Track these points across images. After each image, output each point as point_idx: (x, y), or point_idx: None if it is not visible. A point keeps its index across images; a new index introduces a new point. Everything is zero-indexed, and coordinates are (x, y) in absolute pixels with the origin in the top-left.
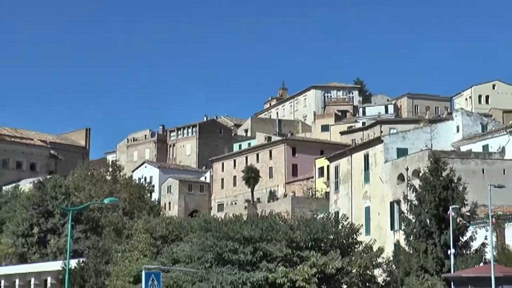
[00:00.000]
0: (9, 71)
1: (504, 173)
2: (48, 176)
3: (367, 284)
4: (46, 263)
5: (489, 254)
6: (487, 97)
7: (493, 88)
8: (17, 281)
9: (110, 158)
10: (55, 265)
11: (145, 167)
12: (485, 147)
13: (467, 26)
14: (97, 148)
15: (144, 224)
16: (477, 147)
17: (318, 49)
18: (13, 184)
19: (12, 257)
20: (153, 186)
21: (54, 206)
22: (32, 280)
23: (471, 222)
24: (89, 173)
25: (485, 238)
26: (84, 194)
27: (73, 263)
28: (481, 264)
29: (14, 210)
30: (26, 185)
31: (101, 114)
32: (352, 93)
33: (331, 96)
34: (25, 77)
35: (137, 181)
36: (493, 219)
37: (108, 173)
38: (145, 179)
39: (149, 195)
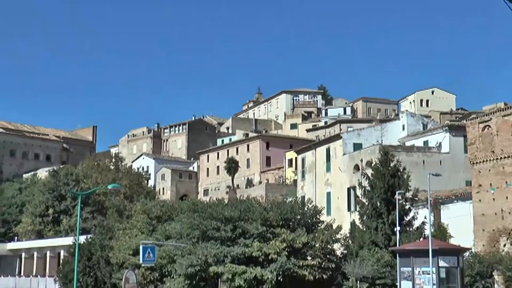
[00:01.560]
0: (26, 73)
1: (440, 164)
2: (61, 166)
3: (328, 256)
4: (59, 238)
5: (427, 230)
6: (427, 101)
7: (432, 93)
8: (35, 253)
9: (113, 151)
10: (67, 241)
11: (143, 158)
12: (426, 143)
13: (412, 37)
14: (102, 142)
15: (141, 206)
16: (419, 142)
17: (288, 59)
18: (32, 173)
19: (31, 234)
20: (149, 174)
21: (66, 191)
22: (48, 253)
23: (413, 204)
24: (95, 164)
25: (425, 218)
26: (91, 181)
27: (82, 239)
28: (421, 239)
29: (33, 194)
30: (42, 173)
31: (106, 113)
32: (316, 97)
33: (299, 99)
34: (40, 81)
35: (136, 170)
36: (431, 202)
37: (111, 164)
38: (143, 168)
39: (146, 182)
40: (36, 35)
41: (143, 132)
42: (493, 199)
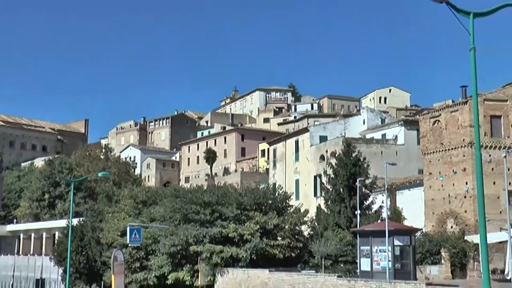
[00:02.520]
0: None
1: (396, 154)
2: (56, 156)
3: (296, 236)
4: (54, 221)
5: (384, 213)
6: (385, 98)
7: (390, 91)
8: (32, 234)
9: (103, 142)
10: (61, 223)
11: (130, 149)
12: (383, 135)
13: (373, 40)
14: (93, 134)
15: (129, 192)
16: (377, 135)
17: (261, 60)
18: (29, 162)
19: (28, 217)
20: (136, 163)
21: (60, 178)
22: (44, 234)
23: (372, 190)
24: (87, 154)
25: (382, 202)
26: (83, 169)
27: (75, 221)
28: (379, 221)
29: (30, 181)
30: (39, 162)
31: (97, 108)
32: (287, 94)
33: (271, 96)
34: (37, 76)
35: (123, 160)
36: (388, 188)
37: (102, 154)
38: (130, 158)
39: (133, 170)
40: (31, 36)
41: (130, 125)
42: (442, 185)
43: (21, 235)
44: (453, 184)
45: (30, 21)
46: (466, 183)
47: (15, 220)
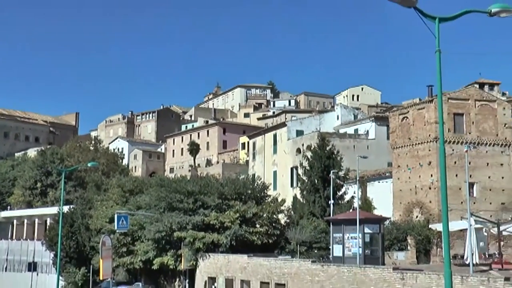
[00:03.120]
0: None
1: (367, 148)
2: (48, 146)
3: (273, 224)
4: (46, 208)
5: (356, 203)
6: (358, 96)
7: (362, 90)
8: (25, 221)
9: (93, 134)
10: (53, 210)
11: (118, 141)
12: (356, 130)
13: (347, 41)
14: (83, 127)
15: (116, 181)
16: (350, 130)
17: (243, 58)
18: (23, 152)
19: (21, 204)
20: (124, 154)
21: (52, 168)
22: (36, 220)
23: (345, 182)
24: (77, 145)
25: (354, 193)
26: (74, 159)
27: (66, 208)
28: (351, 210)
29: (23, 170)
30: (32, 152)
31: (87, 102)
32: (266, 91)
33: (251, 92)
34: (31, 71)
35: (112, 151)
36: (360, 179)
37: (91, 145)
38: (118, 149)
39: (120, 161)
40: (21, 32)
41: (118, 118)
42: (409, 177)
43: (15, 221)
44: (419, 176)
45: (25, 19)
46: (431, 175)
47: (9, 207)
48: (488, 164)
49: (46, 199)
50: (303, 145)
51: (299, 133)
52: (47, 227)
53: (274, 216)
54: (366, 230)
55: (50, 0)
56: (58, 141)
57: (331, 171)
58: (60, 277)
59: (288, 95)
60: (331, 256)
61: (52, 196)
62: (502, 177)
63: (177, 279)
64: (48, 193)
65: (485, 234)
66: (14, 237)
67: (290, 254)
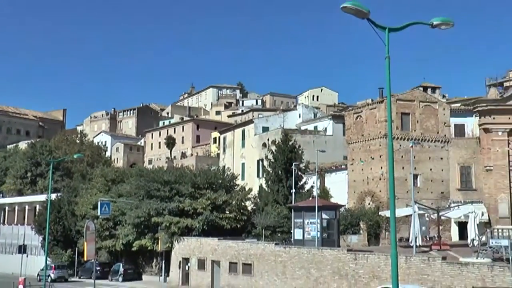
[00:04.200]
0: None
1: (325, 143)
2: (37, 139)
3: (241, 210)
4: (35, 196)
5: (315, 192)
6: (317, 96)
7: (321, 91)
8: (16, 207)
9: (79, 128)
10: (42, 197)
11: (102, 135)
12: (315, 127)
13: (309, 46)
14: (70, 122)
15: (100, 172)
16: (310, 127)
17: (215, 60)
18: (14, 144)
19: (13, 192)
20: (107, 147)
21: (41, 159)
22: (26, 207)
23: (305, 173)
24: (65, 138)
25: (313, 183)
26: (61, 151)
27: (53, 196)
28: (310, 198)
29: (15, 161)
30: (23, 145)
31: (74, 99)
32: (235, 91)
33: (222, 92)
34: (22, 69)
35: (96, 144)
36: (318, 171)
37: (77, 138)
38: (102, 142)
39: (104, 153)
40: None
41: (102, 114)
42: (362, 169)
43: (6, 208)
44: (371, 169)
45: (17, 18)
46: (381, 167)
47: (1, 195)
48: (430, 158)
49: (36, 187)
50: (268, 140)
51: (265, 129)
52: (36, 213)
53: (242, 203)
54: (324, 216)
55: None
56: (47, 134)
57: (293, 164)
58: (48, 258)
59: (255, 95)
60: (292, 239)
61: (41, 184)
62: (442, 170)
63: (155, 260)
64: (37, 182)
65: (427, 219)
66: (5, 222)
67: (256, 237)
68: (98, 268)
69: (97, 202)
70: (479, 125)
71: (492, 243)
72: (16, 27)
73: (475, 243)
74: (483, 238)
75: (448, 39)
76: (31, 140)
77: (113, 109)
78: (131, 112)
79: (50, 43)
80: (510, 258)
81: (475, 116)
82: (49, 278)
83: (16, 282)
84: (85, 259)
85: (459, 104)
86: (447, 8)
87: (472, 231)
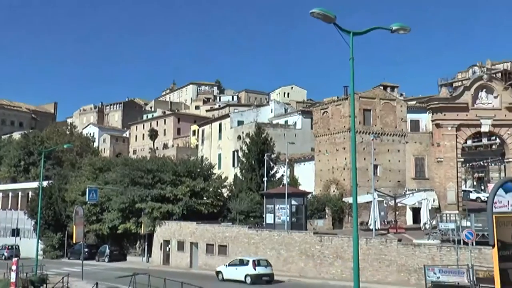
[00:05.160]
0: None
1: (295, 136)
2: (30, 130)
3: (218, 197)
4: (28, 183)
5: (285, 180)
6: (288, 93)
7: (291, 88)
8: (10, 193)
9: (69, 120)
10: (34, 184)
11: (90, 127)
12: (286, 122)
13: (280, 46)
14: (61, 114)
15: (88, 161)
16: (281, 121)
17: (194, 59)
18: (8, 135)
19: (7, 179)
20: (95, 138)
21: (34, 149)
22: (20, 193)
23: (276, 163)
24: (56, 130)
25: (283, 172)
26: (52, 142)
27: (45, 183)
28: (281, 186)
29: (9, 150)
30: (16, 135)
31: (64, 93)
32: (213, 88)
33: (201, 89)
34: (13, 63)
35: (85, 135)
36: (288, 161)
37: (67, 130)
38: (90, 134)
39: (92, 144)
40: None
41: (90, 108)
42: (328, 160)
43: (1, 194)
44: (336, 159)
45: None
46: (345, 158)
47: None
48: (388, 150)
49: (29, 175)
50: (243, 133)
51: (240, 123)
52: (29, 199)
53: (218, 190)
54: (293, 202)
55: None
56: (39, 126)
57: (265, 154)
58: (40, 241)
59: (232, 92)
60: (264, 223)
61: (34, 172)
62: (399, 161)
63: (138, 242)
64: (30, 170)
65: (385, 205)
66: (0, 207)
67: (231, 221)
68: (86, 249)
69: (85, 189)
70: (432, 121)
71: (441, 226)
72: (12, 25)
73: (427, 226)
74: (434, 222)
75: (406, 43)
76: (24, 131)
77: (100, 103)
78: (117, 106)
79: (43, 41)
80: (456, 239)
81: (428, 112)
82: (3, 256)
83: (10, 263)
84: (74, 241)
85: (414, 102)
86: (409, 16)
87: (424, 216)
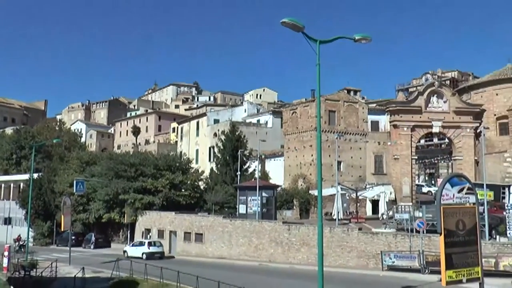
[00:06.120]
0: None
1: (266, 134)
2: (22, 126)
3: (195, 189)
4: (20, 175)
5: (256, 174)
6: (260, 95)
7: (263, 90)
8: (2, 185)
9: (58, 117)
10: (25, 177)
11: (78, 123)
12: (258, 121)
13: (252, 51)
14: (51, 111)
15: (76, 155)
16: (254, 120)
17: (175, 62)
18: (1, 130)
19: (0, 172)
20: (82, 134)
21: (25, 143)
22: (11, 184)
23: (249, 158)
24: (46, 125)
25: (255, 167)
26: (42, 137)
27: (35, 175)
28: (253, 179)
29: (2, 144)
30: (9, 131)
31: (55, 91)
32: (192, 89)
33: (181, 89)
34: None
35: (73, 131)
36: (260, 157)
37: (57, 126)
38: (77, 130)
39: (79, 139)
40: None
41: (78, 105)
42: (296, 156)
43: None
44: (303, 156)
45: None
46: (311, 155)
47: None
48: (351, 148)
49: (20, 168)
50: (218, 130)
51: (216, 121)
52: (20, 190)
53: (196, 183)
54: (264, 194)
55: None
56: (30, 122)
57: (239, 151)
58: (30, 229)
59: (209, 93)
60: (237, 213)
61: (25, 165)
62: (360, 158)
63: (121, 230)
64: (21, 163)
65: (347, 198)
66: None
67: (207, 211)
68: (73, 237)
69: (73, 181)
70: (390, 122)
71: (396, 217)
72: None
73: (384, 217)
74: (390, 213)
75: (368, 50)
76: (16, 127)
77: (88, 101)
78: (103, 104)
79: (35, 42)
80: (409, 228)
81: (387, 114)
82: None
83: (1, 249)
84: (62, 229)
85: (375, 105)
86: (371, 26)
87: (382, 207)
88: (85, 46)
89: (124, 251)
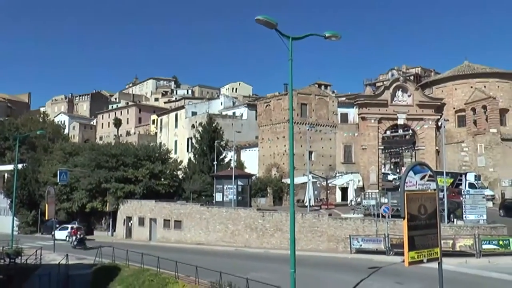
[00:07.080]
0: None
1: (242, 126)
2: (6, 118)
3: (174, 178)
4: (4, 166)
5: (232, 164)
6: (236, 88)
7: (239, 84)
8: None
9: (42, 109)
10: (10, 167)
11: (61, 115)
12: (234, 113)
13: (231, 46)
14: (35, 104)
15: (59, 146)
16: (230, 113)
17: (154, 56)
18: None
19: None
20: (65, 126)
21: (9, 135)
22: None
23: (225, 149)
24: (30, 117)
25: (231, 157)
26: (26, 128)
27: (20, 166)
28: (229, 169)
29: None
30: None
31: (38, 83)
32: (171, 82)
33: (160, 83)
34: None
35: (56, 123)
36: (236, 147)
37: (40, 118)
38: (61, 122)
39: (63, 130)
40: None
41: (61, 98)
42: (269, 146)
43: None
44: (277, 146)
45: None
46: (284, 145)
47: None
48: (322, 138)
49: (5, 158)
50: (196, 122)
51: (194, 113)
52: (5, 180)
53: (174, 172)
54: (239, 183)
55: None
56: (14, 114)
57: (216, 141)
58: (15, 218)
59: (187, 86)
60: (214, 201)
61: (9, 156)
62: (330, 148)
63: (104, 218)
64: (6, 154)
65: (318, 185)
66: None
67: (185, 199)
68: (57, 225)
69: (56, 171)
70: (358, 114)
71: (364, 203)
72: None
73: (353, 203)
74: (358, 199)
75: (338, 47)
76: (0, 119)
77: (71, 94)
78: (86, 96)
79: (18, 34)
80: (376, 213)
81: (356, 107)
82: None
83: None
84: (47, 218)
85: (344, 98)
86: (340, 24)
87: (351, 194)
88: (68, 39)
89: (53, 234)
